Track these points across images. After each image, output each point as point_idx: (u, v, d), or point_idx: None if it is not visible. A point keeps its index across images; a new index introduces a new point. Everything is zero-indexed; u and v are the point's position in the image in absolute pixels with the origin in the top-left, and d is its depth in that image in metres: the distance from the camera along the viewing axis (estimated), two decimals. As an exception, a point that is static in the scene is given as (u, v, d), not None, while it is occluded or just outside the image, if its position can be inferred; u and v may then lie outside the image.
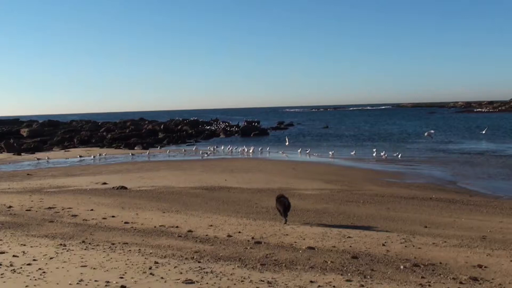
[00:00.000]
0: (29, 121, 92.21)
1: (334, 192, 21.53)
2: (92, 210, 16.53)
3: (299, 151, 44.22)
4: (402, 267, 9.86)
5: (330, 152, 41.28)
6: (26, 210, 16.41)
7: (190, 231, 13.21)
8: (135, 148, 53.87)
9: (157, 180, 25.93)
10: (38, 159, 44.38)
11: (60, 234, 12.72)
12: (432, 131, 46.97)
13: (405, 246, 11.70)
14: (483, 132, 53.06)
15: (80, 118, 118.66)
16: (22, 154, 49.61)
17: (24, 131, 71.27)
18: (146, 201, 18.62)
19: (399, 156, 38.15)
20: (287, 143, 50.13)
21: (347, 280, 8.86)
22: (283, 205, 14.52)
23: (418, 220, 15.37)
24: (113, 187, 22.82)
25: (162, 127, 76.50)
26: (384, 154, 38.66)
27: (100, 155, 45.48)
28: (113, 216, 15.35)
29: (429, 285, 8.69)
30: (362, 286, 8.56)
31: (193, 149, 49.85)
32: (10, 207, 17.06)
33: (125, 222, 14.39)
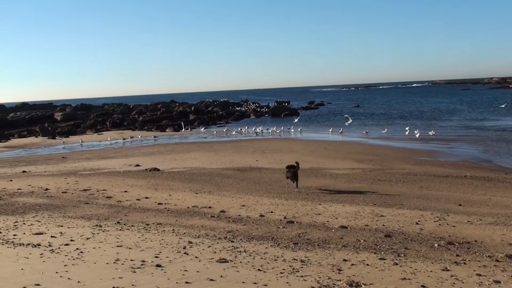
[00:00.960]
0: (62, 105, 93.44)
1: (366, 171, 21.41)
2: (126, 191, 16.77)
3: (330, 130, 44.00)
4: (436, 245, 9.79)
5: (365, 131, 40.97)
6: (62, 192, 16.74)
7: (222, 211, 13.32)
8: (167, 130, 54.29)
9: (189, 161, 26.13)
10: (64, 142, 45.10)
11: (96, 215, 12.96)
12: None
13: (439, 225, 11.61)
14: (503, 106, 51.74)
15: (112, 102, 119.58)
16: (56, 137, 50.40)
17: (58, 115, 72.38)
18: (179, 183, 18.79)
19: (433, 134, 37.63)
20: (349, 121, 49.26)
21: (380, 259, 8.85)
22: (291, 174, 17.10)
23: (452, 198, 15.21)
24: (145, 169, 23.08)
25: (192, 109, 76.86)
26: (418, 132, 38.16)
27: (132, 137, 45.98)
28: (146, 197, 15.55)
29: (464, 263, 8.62)
30: (396, 264, 8.54)
31: (224, 130, 50.03)
32: (47, 189, 17.42)
33: (159, 203, 14.57)
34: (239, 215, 12.88)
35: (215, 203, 14.54)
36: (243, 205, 14.13)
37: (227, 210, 13.43)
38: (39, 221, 12.14)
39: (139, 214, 13.11)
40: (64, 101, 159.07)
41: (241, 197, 15.58)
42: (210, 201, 14.88)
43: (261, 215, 12.75)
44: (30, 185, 18.50)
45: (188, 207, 13.96)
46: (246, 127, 50.04)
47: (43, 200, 15.24)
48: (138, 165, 24.86)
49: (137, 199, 15.28)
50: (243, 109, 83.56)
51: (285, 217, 12.50)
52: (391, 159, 25.57)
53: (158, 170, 22.80)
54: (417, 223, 11.71)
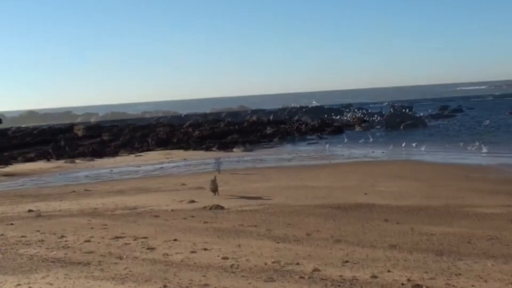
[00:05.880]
0: (85, 115, 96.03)
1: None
2: (175, 240, 16.88)
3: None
4: None
5: None
6: (85, 241, 16.99)
7: (316, 269, 13.19)
8: (234, 149, 54.56)
9: (266, 194, 26.15)
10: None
11: (132, 275, 13.06)
12: None
13: None
14: None
15: (155, 109, 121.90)
16: (76, 161, 51.23)
17: (78, 129, 74.16)
18: (252, 226, 18.80)
19: None
20: None
21: None
22: (213, 185, 27.15)
23: None
24: (204, 207, 23.25)
25: (271, 118, 77.20)
26: None
27: (184, 160, 46.63)
28: (205, 249, 15.60)
29: None
30: None
31: (315, 148, 49.91)
32: (62, 236, 17.72)
33: (223, 258, 14.58)
34: (341, 275, 12.73)
35: (306, 256, 14.45)
36: (346, 261, 13.97)
37: (322, 268, 13.29)
38: (50, 284, 12.35)
39: (195, 273, 13.15)
40: (88, 108, 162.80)
41: (343, 248, 15.43)
42: (297, 254, 14.79)
43: (374, 276, 12.56)
44: (39, 230, 18.89)
45: (266, 263, 13.91)
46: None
47: (57, 253, 15.53)
48: (193, 201, 25.12)
49: (192, 251, 15.36)
50: (345, 117, 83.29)
51: (409, 280, 12.25)
52: None
53: (222, 208, 22.96)
54: None
